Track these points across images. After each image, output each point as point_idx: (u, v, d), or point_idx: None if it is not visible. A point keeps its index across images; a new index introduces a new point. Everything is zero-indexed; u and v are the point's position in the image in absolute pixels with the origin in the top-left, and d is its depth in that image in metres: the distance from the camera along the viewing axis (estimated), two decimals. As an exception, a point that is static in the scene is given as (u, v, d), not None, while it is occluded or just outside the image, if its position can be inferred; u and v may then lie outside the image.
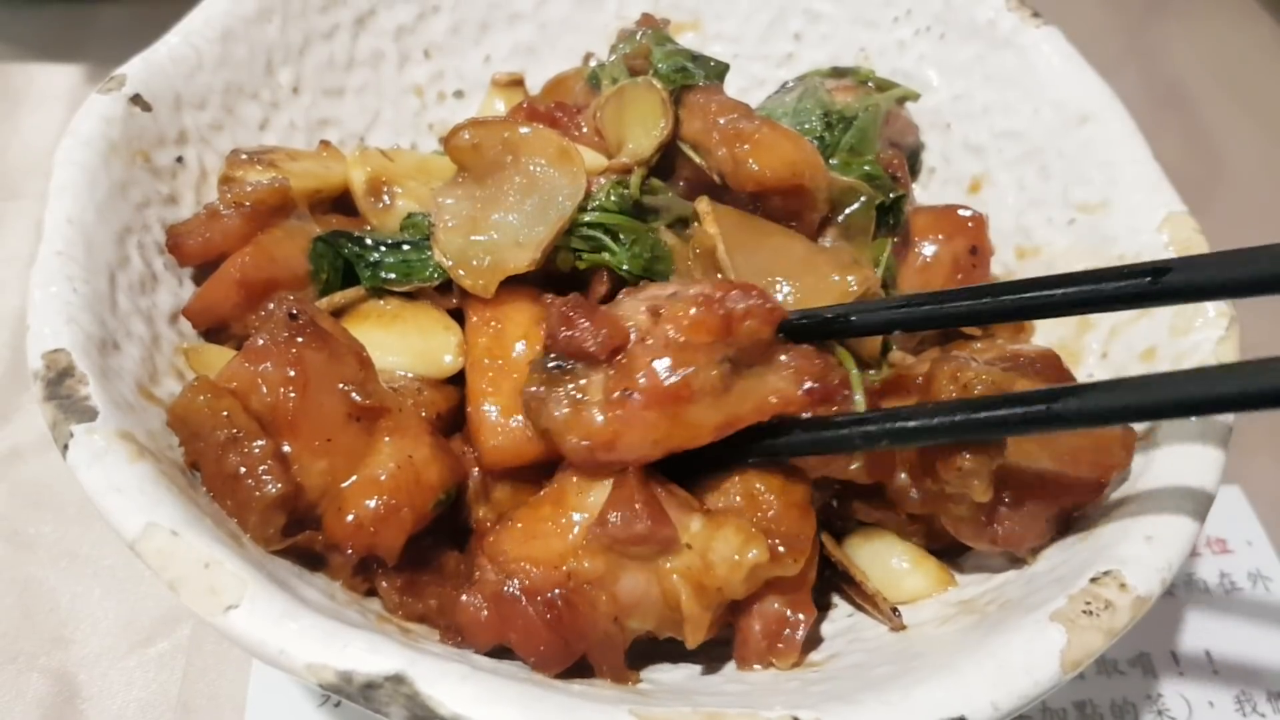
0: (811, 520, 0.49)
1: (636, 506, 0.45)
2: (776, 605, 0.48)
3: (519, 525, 0.49)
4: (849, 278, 0.53)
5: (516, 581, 0.46)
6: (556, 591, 0.46)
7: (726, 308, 0.46)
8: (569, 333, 0.47)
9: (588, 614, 0.46)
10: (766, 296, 0.47)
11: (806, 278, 0.54)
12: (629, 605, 0.46)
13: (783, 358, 0.48)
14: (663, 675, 0.50)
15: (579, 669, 0.48)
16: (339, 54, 0.72)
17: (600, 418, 0.46)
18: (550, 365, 0.48)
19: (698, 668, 0.51)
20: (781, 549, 0.48)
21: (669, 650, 0.51)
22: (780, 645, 0.48)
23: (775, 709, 0.38)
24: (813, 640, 0.53)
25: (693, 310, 0.46)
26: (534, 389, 0.48)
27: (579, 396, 0.47)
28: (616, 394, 0.45)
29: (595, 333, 0.46)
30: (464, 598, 0.47)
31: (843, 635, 0.53)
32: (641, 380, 0.45)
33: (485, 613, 0.46)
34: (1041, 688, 0.39)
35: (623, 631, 0.47)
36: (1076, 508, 0.50)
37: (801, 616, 0.48)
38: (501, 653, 0.48)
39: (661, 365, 0.46)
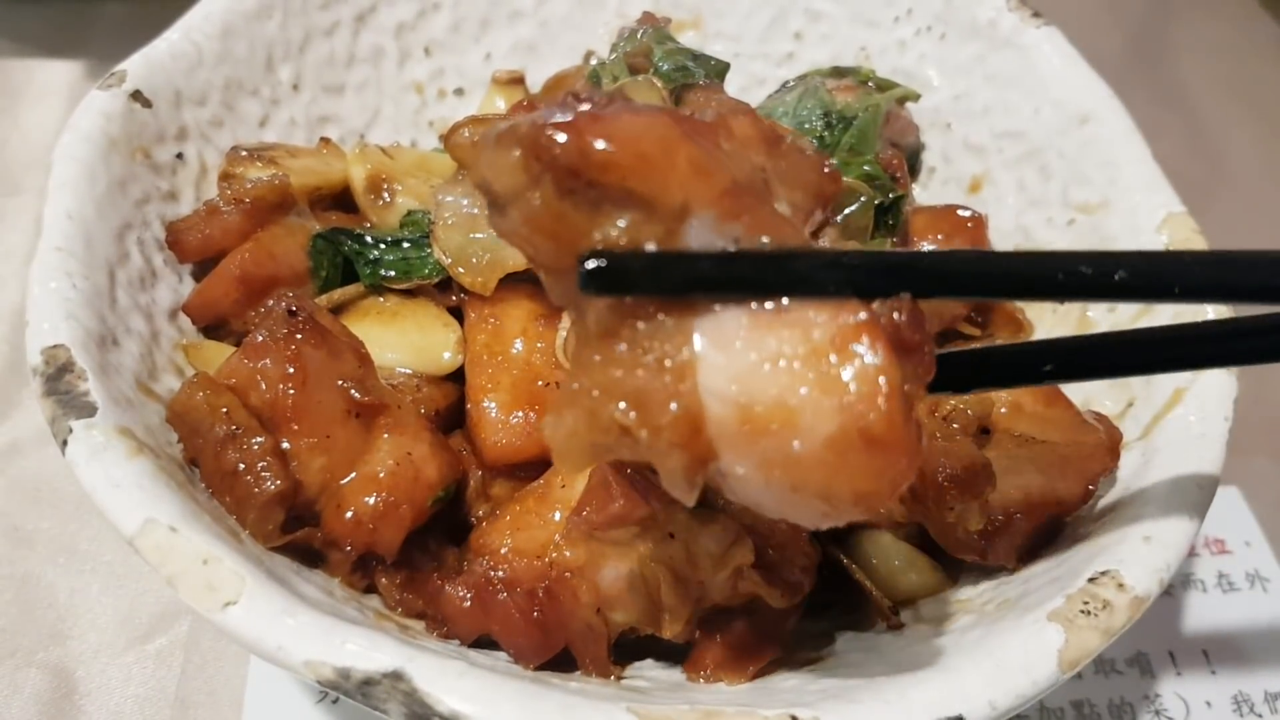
0: (811, 577, 0.48)
1: (612, 487, 0.45)
2: (747, 634, 0.48)
3: (505, 518, 0.49)
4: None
5: (499, 572, 0.46)
6: (540, 583, 0.46)
7: (778, 132, 0.38)
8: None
9: (569, 604, 0.46)
10: (829, 161, 0.39)
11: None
12: (611, 596, 0.46)
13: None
14: (660, 673, 0.50)
15: (565, 663, 0.48)
16: (339, 51, 0.72)
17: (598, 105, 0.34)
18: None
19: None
20: (775, 568, 0.46)
21: (665, 648, 0.51)
22: (730, 669, 0.47)
23: (773, 707, 0.38)
24: (811, 639, 0.53)
25: (750, 109, 0.38)
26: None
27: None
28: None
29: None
30: (447, 588, 0.47)
31: (840, 634, 0.53)
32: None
33: (468, 603, 0.46)
34: (1039, 687, 0.39)
35: (605, 624, 0.47)
36: (1065, 516, 0.51)
37: (764, 652, 0.47)
38: (495, 645, 0.48)
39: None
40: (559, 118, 0.32)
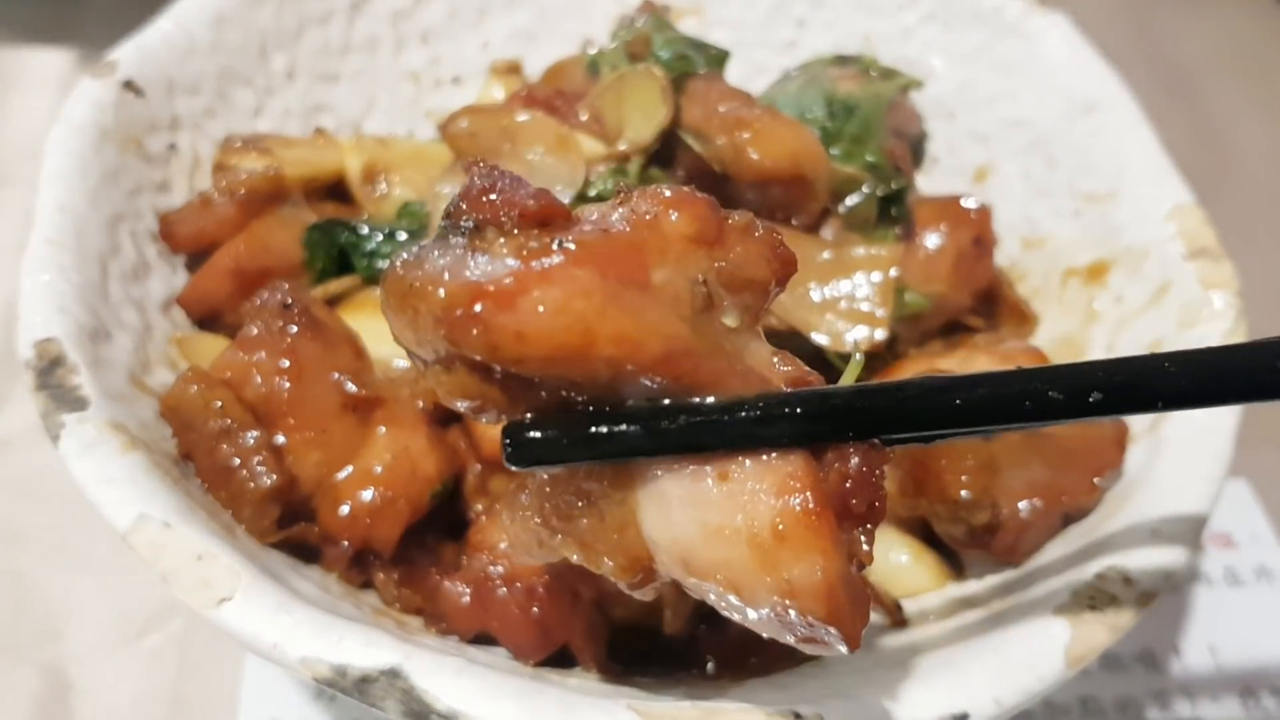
0: None
1: None
2: (749, 630, 0.47)
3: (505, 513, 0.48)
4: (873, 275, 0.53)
5: (498, 568, 0.46)
6: (540, 579, 0.45)
7: (725, 214, 0.33)
8: (491, 196, 0.31)
9: (569, 601, 0.46)
10: (782, 243, 0.35)
11: (829, 280, 0.53)
12: (611, 591, 0.46)
13: (775, 360, 0.35)
14: (661, 670, 0.50)
15: (564, 660, 0.47)
16: (334, 39, 0.71)
17: (505, 264, 0.30)
18: (443, 224, 0.32)
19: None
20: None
21: (666, 645, 0.50)
22: (732, 665, 0.47)
23: (775, 704, 0.38)
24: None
25: (684, 195, 0.33)
26: (406, 255, 0.32)
27: (476, 245, 0.31)
28: (536, 244, 0.30)
29: (533, 194, 0.31)
30: (445, 584, 0.47)
31: (844, 630, 0.52)
32: (585, 228, 0.31)
33: (466, 599, 0.46)
34: (1045, 683, 0.39)
35: (605, 619, 0.47)
36: (1070, 510, 0.50)
37: (766, 649, 0.46)
38: (494, 642, 0.47)
39: (615, 217, 0.32)
40: (459, 295, 0.30)
